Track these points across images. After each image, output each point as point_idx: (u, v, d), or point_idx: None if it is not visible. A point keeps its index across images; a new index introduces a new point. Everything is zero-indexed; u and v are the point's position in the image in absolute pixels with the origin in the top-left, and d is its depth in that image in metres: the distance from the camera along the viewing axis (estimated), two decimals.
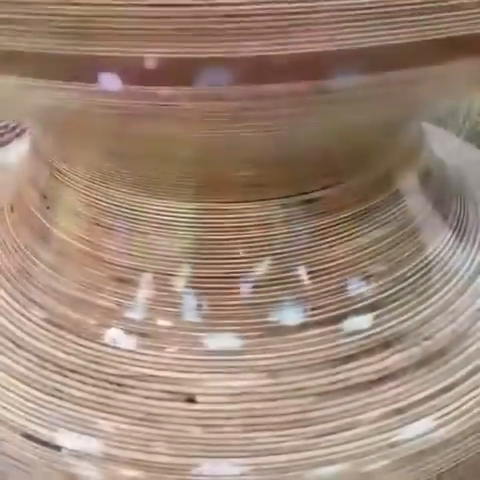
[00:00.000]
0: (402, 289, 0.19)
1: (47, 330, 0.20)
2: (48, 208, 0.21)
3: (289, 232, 0.19)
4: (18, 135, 0.32)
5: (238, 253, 0.19)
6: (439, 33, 0.12)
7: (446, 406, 0.18)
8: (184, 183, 0.18)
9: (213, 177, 0.18)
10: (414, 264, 0.20)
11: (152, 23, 0.11)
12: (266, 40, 0.11)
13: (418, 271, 0.20)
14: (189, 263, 0.19)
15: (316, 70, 0.12)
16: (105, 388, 0.18)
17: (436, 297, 0.20)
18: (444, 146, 0.26)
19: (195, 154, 0.16)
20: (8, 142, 0.31)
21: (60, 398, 0.18)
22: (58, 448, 0.18)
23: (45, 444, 0.18)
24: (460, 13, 0.12)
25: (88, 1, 0.11)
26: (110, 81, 0.12)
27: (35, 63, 0.12)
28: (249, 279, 0.19)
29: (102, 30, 0.11)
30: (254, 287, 0.19)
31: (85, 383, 0.18)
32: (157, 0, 0.11)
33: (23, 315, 0.20)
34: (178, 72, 0.12)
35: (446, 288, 0.20)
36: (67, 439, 0.18)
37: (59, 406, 0.18)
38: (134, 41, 0.11)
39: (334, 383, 0.18)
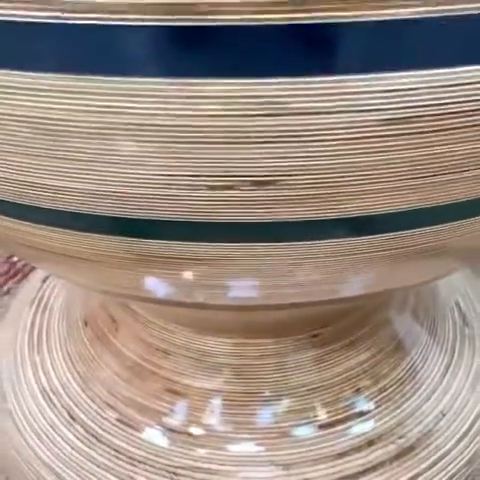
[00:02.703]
0: (383, 398, 0.26)
1: (119, 428, 0.26)
2: (117, 330, 0.28)
3: (297, 359, 0.25)
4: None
5: (259, 375, 0.25)
6: None
7: None
8: (223, 328, 0.25)
9: (243, 327, 0.25)
10: (392, 377, 0.27)
11: None
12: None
13: (395, 383, 0.27)
14: (223, 381, 0.26)
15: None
16: (164, 476, 0.25)
17: (408, 403, 0.26)
18: None
19: (233, 324, 0.23)
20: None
21: None
22: None
23: None
24: None
25: None
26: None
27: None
28: (267, 395, 0.25)
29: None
30: (271, 401, 0.25)
31: (149, 472, 0.25)
32: None
33: (101, 415, 0.27)
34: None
35: (416, 395, 0.27)
36: None
37: None
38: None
39: (332, 474, 0.24)
